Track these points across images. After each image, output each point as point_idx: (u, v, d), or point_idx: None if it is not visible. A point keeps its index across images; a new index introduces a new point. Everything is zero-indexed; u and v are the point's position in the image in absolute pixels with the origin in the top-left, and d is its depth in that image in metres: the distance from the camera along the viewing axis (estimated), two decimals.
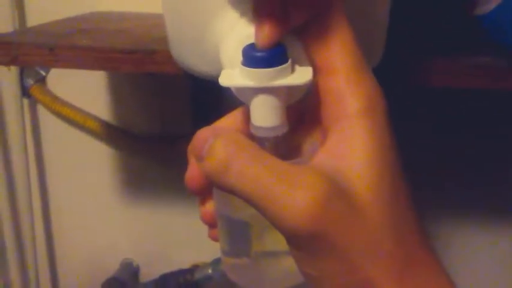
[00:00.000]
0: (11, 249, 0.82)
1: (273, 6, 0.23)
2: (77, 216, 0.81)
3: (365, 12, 0.31)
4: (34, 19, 0.69)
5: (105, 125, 0.74)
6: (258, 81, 0.23)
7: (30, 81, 0.72)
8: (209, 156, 0.23)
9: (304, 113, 0.27)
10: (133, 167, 0.78)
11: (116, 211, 0.80)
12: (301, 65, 0.24)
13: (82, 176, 0.79)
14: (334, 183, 0.22)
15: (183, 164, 0.28)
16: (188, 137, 0.25)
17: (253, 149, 0.23)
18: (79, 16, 0.60)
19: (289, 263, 0.25)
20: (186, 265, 0.76)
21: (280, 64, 0.23)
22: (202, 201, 0.29)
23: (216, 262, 0.74)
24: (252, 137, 0.25)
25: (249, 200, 0.22)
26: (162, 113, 0.73)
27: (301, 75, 0.24)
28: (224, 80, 0.24)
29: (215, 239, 0.29)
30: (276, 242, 0.25)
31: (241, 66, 0.24)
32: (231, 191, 0.23)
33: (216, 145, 0.23)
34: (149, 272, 0.79)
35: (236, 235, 0.28)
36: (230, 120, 0.27)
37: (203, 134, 0.24)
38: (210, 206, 0.28)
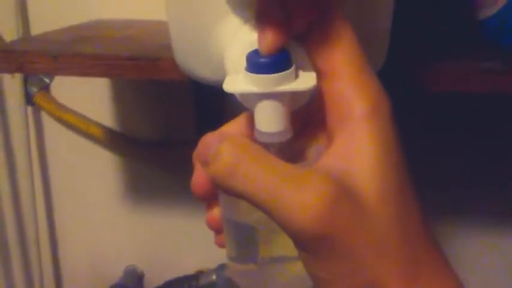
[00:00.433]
0: (15, 257, 0.82)
1: (275, 13, 0.23)
2: (81, 223, 0.81)
3: (368, 16, 0.31)
4: (38, 27, 0.69)
5: (109, 131, 0.74)
6: (262, 87, 0.23)
7: (34, 89, 0.72)
8: (215, 160, 0.23)
9: (308, 117, 0.27)
10: (137, 173, 0.78)
11: (120, 217, 0.80)
12: (304, 70, 0.24)
13: (86, 183, 0.79)
14: (342, 185, 0.22)
15: (187, 170, 0.28)
16: (192, 143, 0.25)
17: (259, 152, 0.23)
18: (83, 24, 0.61)
19: (296, 269, 0.25)
20: (190, 271, 0.76)
21: (284, 70, 0.23)
22: (209, 207, 0.29)
23: (221, 268, 0.74)
24: (256, 142, 0.25)
25: (256, 203, 0.22)
26: (165, 119, 0.73)
27: (305, 80, 0.24)
28: (228, 86, 0.24)
29: (221, 245, 0.29)
30: (283, 247, 0.25)
31: (245, 72, 0.24)
32: (237, 194, 0.23)
33: (222, 148, 0.23)
34: (154, 279, 0.79)
35: (243, 240, 0.28)
36: (235, 126, 0.27)
37: (209, 139, 0.24)
38: (216, 212, 0.28)
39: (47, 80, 0.72)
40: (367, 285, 0.22)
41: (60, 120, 0.75)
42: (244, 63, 0.24)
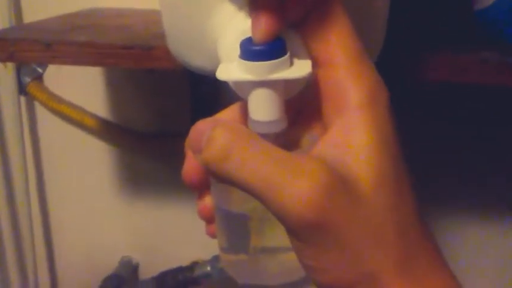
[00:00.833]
0: (9, 247, 0.82)
1: (269, 0, 0.22)
2: (75, 214, 0.81)
3: (365, 5, 0.31)
4: (31, 15, 0.68)
5: (103, 122, 0.74)
6: (256, 74, 0.23)
7: (27, 79, 0.71)
8: (209, 145, 0.22)
9: (301, 106, 0.26)
10: (132, 164, 0.78)
11: (114, 208, 0.80)
12: (300, 58, 0.24)
13: (80, 173, 0.79)
14: (337, 172, 0.21)
15: (182, 161, 0.27)
16: (187, 134, 0.25)
17: (254, 137, 0.23)
18: (76, 12, 0.60)
19: (288, 258, 0.25)
20: (185, 262, 0.76)
21: (279, 57, 0.23)
22: (200, 197, 0.28)
23: (216, 259, 0.74)
24: None
25: (249, 189, 0.22)
26: (160, 110, 0.73)
27: (300, 68, 0.23)
28: (221, 74, 0.24)
29: (213, 236, 0.29)
30: (275, 237, 0.25)
31: (239, 59, 0.23)
32: (230, 180, 0.22)
33: (216, 133, 0.22)
34: (148, 269, 0.79)
35: (234, 230, 0.27)
36: (228, 114, 0.27)
37: (201, 126, 0.24)
38: (207, 201, 0.28)
39: (40, 70, 0.71)
40: (361, 275, 0.21)
41: (53, 111, 0.74)
42: (238, 51, 0.24)
